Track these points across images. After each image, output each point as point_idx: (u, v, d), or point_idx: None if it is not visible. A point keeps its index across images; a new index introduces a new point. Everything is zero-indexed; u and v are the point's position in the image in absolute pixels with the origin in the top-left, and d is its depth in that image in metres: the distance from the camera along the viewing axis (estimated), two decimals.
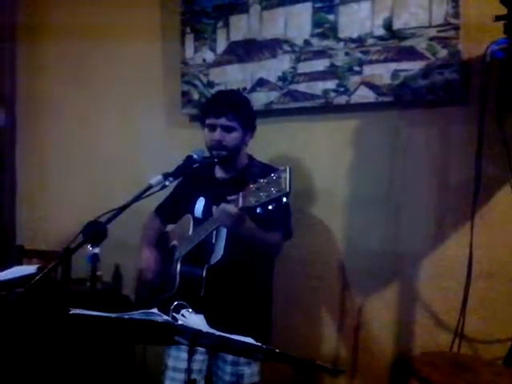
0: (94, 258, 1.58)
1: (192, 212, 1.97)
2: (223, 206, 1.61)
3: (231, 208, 1.57)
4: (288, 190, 1.35)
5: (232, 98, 1.95)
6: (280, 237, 1.88)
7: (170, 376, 1.94)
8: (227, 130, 1.87)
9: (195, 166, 1.82)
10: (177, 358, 1.91)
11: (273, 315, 2.01)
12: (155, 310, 1.28)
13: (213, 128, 1.89)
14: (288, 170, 1.37)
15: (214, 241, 1.81)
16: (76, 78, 3.21)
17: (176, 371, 1.91)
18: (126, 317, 1.28)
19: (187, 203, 2.01)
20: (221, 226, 1.74)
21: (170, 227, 2.15)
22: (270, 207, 1.41)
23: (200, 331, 1.26)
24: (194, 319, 1.33)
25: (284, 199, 1.37)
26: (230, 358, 1.86)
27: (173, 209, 2.10)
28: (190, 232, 1.89)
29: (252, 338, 1.30)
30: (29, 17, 3.40)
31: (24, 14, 3.42)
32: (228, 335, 1.26)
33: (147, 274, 2.00)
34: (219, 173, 2.00)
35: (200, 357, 1.89)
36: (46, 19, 3.30)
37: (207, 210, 1.91)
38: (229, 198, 1.59)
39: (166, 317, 1.27)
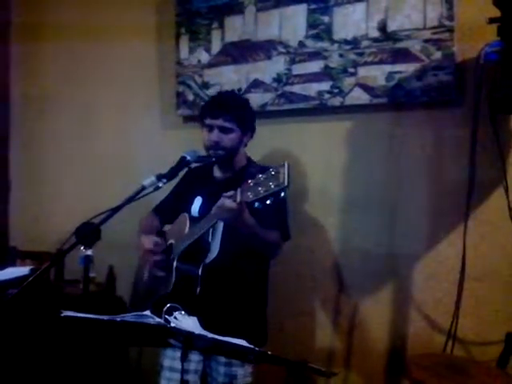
0: (87, 260, 1.57)
1: (189, 211, 1.97)
2: (222, 200, 1.61)
3: (230, 202, 1.57)
4: (286, 183, 1.35)
5: (230, 99, 1.96)
6: (279, 236, 1.88)
7: (166, 376, 1.94)
8: (224, 131, 1.88)
9: (195, 165, 1.83)
10: (173, 358, 1.91)
11: (268, 316, 2.01)
12: (148, 313, 1.28)
13: (210, 129, 1.90)
14: (286, 165, 1.37)
15: (210, 239, 1.81)
16: (71, 78, 3.20)
17: (172, 371, 1.91)
18: (119, 319, 1.28)
19: (185, 202, 2.01)
20: (219, 221, 1.74)
21: (167, 227, 2.15)
22: (268, 202, 1.41)
23: (192, 333, 1.26)
24: (186, 321, 1.33)
25: (282, 193, 1.37)
26: (223, 358, 1.86)
27: (172, 208, 2.10)
28: (187, 231, 1.88)
29: (247, 339, 1.30)
30: (23, 16, 3.39)
31: (18, 13, 3.41)
32: (220, 337, 1.25)
33: (154, 252, 1.96)
34: (217, 173, 2.02)
35: (196, 357, 1.89)
36: (40, 19, 3.29)
37: (204, 208, 1.91)
38: (226, 194, 1.59)
39: (158, 319, 1.27)
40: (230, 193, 1.57)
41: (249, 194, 1.46)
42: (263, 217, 1.70)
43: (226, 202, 1.58)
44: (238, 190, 1.53)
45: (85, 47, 3.11)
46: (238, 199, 1.52)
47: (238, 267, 1.86)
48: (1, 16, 3.38)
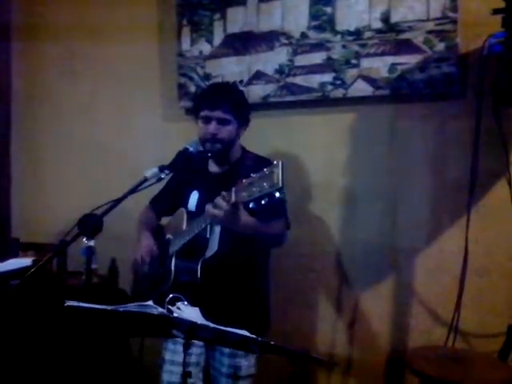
0: (89, 251, 1.57)
1: (186, 206, 1.96)
2: (214, 202, 1.59)
3: (222, 204, 1.55)
4: (280, 184, 1.33)
5: (227, 90, 1.95)
6: (282, 224, 1.86)
7: (167, 369, 1.93)
8: (222, 122, 1.85)
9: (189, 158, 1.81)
10: (174, 352, 1.91)
11: (270, 307, 2.01)
12: (150, 303, 1.28)
13: (207, 121, 1.87)
14: (280, 164, 1.35)
15: (208, 235, 1.80)
16: (73, 70, 3.18)
17: (173, 364, 1.90)
18: (122, 309, 1.28)
19: (181, 196, 2.00)
20: (214, 223, 1.73)
21: (164, 220, 2.15)
22: (262, 202, 1.39)
23: (195, 323, 1.26)
24: (189, 312, 1.33)
25: (277, 194, 1.36)
26: (227, 350, 1.86)
27: (167, 202, 2.09)
28: (184, 226, 1.87)
29: (249, 330, 1.30)
30: (25, 15, 3.36)
31: (20, 13, 3.39)
32: (223, 327, 1.26)
33: (146, 259, 1.98)
34: (212, 166, 1.99)
35: (197, 350, 1.89)
36: (41, 18, 3.26)
37: (201, 203, 1.90)
38: (220, 195, 1.57)
39: (161, 309, 1.27)
40: (225, 193, 1.55)
41: (243, 194, 1.44)
42: (263, 209, 1.69)
43: (219, 203, 1.55)
44: (233, 190, 1.51)
45: (85, 42, 3.08)
46: (233, 199, 1.51)
47: (237, 259, 1.85)
48: (1, 15, 3.36)
